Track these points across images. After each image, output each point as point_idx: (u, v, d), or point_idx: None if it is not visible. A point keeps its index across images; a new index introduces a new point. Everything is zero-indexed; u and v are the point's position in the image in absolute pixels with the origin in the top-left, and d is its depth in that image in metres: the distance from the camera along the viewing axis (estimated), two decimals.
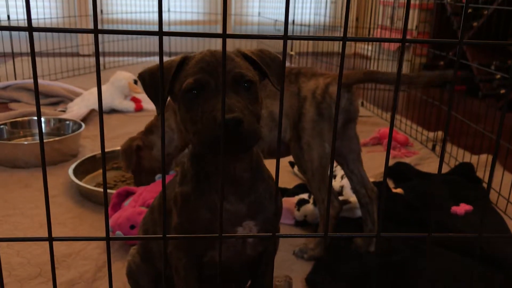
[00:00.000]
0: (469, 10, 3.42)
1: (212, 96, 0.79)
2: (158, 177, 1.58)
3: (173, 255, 0.95)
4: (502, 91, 3.08)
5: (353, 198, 1.51)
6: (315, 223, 1.51)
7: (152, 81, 0.85)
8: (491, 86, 3.20)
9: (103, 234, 1.45)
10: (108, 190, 1.66)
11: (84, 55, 4.65)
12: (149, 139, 1.62)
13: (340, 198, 1.53)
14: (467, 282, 1.21)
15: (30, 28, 0.55)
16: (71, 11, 4.63)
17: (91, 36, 4.60)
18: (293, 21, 3.69)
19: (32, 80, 3.02)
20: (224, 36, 0.59)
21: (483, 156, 2.13)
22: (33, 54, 0.57)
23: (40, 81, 3.09)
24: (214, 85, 0.79)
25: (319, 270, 1.29)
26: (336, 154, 1.34)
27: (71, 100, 2.88)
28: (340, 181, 1.63)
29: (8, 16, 3.19)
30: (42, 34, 3.93)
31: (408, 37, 3.75)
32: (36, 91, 0.57)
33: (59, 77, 3.61)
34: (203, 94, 0.79)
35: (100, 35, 4.31)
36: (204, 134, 0.77)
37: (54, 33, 4.03)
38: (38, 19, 3.76)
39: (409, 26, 3.73)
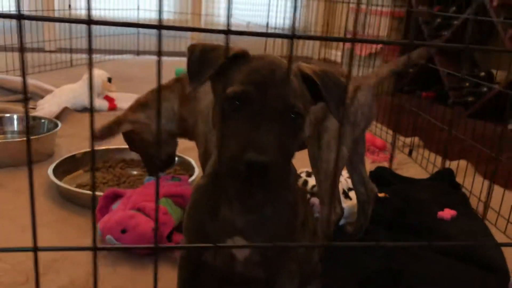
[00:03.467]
0: (439, 20, 3.52)
1: (252, 119, 0.70)
2: (147, 179, 1.53)
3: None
4: (471, 99, 3.18)
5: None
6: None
7: (202, 57, 0.77)
8: (460, 94, 3.30)
9: (91, 238, 1.40)
10: (88, 192, 1.60)
11: (50, 51, 4.49)
12: (147, 115, 1.49)
13: (345, 203, 1.55)
14: (465, 286, 1.24)
15: (19, 16, 0.51)
16: (38, 4, 4.46)
17: (56, 32, 4.45)
18: (267, 24, 3.69)
19: (1, 76, 2.88)
20: (227, 32, 0.55)
21: (460, 162, 2.19)
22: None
23: (6, 76, 2.96)
24: (259, 106, 0.71)
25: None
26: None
27: (41, 97, 2.76)
28: (346, 183, 1.63)
29: None
30: (7, 27, 3.75)
31: (379, 46, 3.83)
32: (25, 88, 0.54)
33: (18, 74, 3.46)
34: (245, 109, 0.72)
35: (67, 31, 4.17)
36: (227, 164, 0.70)
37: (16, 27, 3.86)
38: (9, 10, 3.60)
39: (381, 33, 3.80)
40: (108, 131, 1.47)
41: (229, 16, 0.55)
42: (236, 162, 0.68)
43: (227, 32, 0.54)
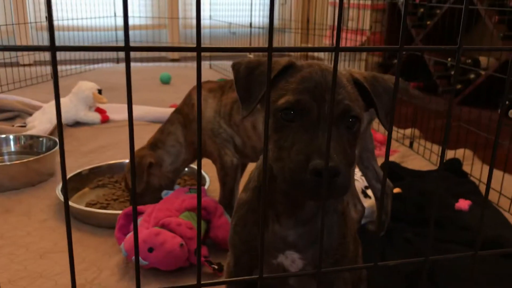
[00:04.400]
0: (421, 10, 3.56)
1: (310, 127, 0.69)
2: (165, 193, 1.49)
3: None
4: (459, 86, 3.22)
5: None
6: None
7: (249, 76, 0.74)
8: (448, 82, 3.34)
9: (113, 259, 1.35)
10: (103, 211, 1.55)
11: (24, 65, 4.36)
12: (157, 155, 1.52)
13: (365, 203, 1.54)
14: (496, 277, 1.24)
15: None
16: (8, 18, 4.32)
17: (31, 44, 4.31)
18: (251, 24, 3.67)
19: None
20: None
21: (461, 151, 2.21)
22: None
23: None
24: (317, 114, 0.69)
25: None
26: None
27: (29, 114, 2.68)
28: (362, 181, 1.62)
29: None
30: None
31: (363, 37, 3.84)
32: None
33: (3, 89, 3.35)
34: (300, 119, 0.70)
35: (44, 42, 4.06)
36: (291, 175, 0.67)
37: None
38: None
39: (364, 27, 3.82)
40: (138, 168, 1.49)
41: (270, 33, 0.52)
42: (301, 171, 0.66)
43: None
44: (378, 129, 2.67)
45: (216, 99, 1.46)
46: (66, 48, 0.45)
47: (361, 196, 1.58)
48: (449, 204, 1.64)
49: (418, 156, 2.29)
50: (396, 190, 1.78)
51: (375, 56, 3.85)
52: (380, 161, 2.11)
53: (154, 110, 2.79)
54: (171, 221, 1.31)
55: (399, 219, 1.54)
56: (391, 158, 2.20)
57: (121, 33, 4.63)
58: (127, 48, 0.44)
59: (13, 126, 2.54)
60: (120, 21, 4.60)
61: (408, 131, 2.52)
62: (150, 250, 1.27)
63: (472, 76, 3.16)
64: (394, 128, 2.60)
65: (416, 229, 1.51)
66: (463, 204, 1.64)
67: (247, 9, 4.01)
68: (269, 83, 0.51)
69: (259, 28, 3.83)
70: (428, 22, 3.41)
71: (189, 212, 1.37)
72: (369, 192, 1.61)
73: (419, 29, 3.50)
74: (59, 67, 3.99)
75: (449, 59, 3.29)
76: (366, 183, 1.63)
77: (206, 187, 1.69)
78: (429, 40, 3.46)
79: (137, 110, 2.78)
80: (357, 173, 1.67)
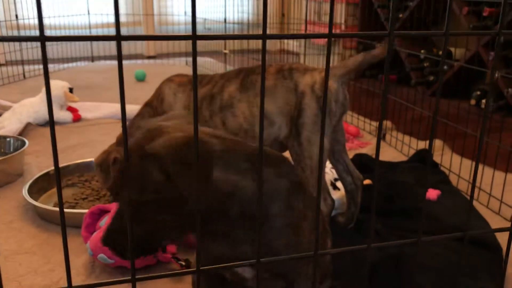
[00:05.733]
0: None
1: None
2: None
3: None
4: (431, 78, 3.26)
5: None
6: None
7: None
8: (422, 74, 3.37)
9: (80, 258, 1.34)
10: (71, 210, 1.53)
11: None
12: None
13: (335, 195, 1.55)
14: (462, 264, 1.26)
15: None
16: None
17: (5, 44, 4.24)
18: (225, 19, 3.65)
19: None
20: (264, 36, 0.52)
21: (435, 141, 2.24)
22: None
23: None
24: None
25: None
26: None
27: None
28: (332, 174, 1.63)
29: None
30: None
31: (337, 31, 3.85)
32: None
33: None
34: None
35: (17, 43, 3.99)
36: None
37: None
38: None
39: (338, 21, 3.83)
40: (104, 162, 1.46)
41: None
42: None
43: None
44: (351, 122, 2.69)
45: (186, 93, 1.44)
46: (55, 38, 0.42)
47: (330, 188, 1.59)
48: (417, 194, 1.66)
49: (390, 148, 2.30)
50: (367, 181, 1.79)
51: (347, 50, 3.87)
52: (352, 153, 2.13)
53: (127, 108, 2.77)
54: None
55: (366, 210, 1.55)
56: (364, 151, 2.21)
57: (94, 31, 4.57)
58: (118, 37, 0.42)
59: None
60: (93, 19, 4.54)
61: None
62: None
63: (445, 68, 3.19)
64: (367, 121, 2.62)
65: (385, 220, 1.52)
66: (431, 194, 1.66)
67: (221, 4, 3.99)
68: (263, 80, 0.51)
69: (233, 23, 3.82)
70: (401, 15, 3.44)
71: None
72: (339, 184, 1.62)
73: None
74: (31, 67, 3.93)
75: (422, 51, 3.32)
76: (336, 176, 1.64)
77: None
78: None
79: (110, 108, 2.75)
80: (328, 166, 1.67)
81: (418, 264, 1.26)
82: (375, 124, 2.57)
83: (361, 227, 1.48)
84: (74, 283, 1.23)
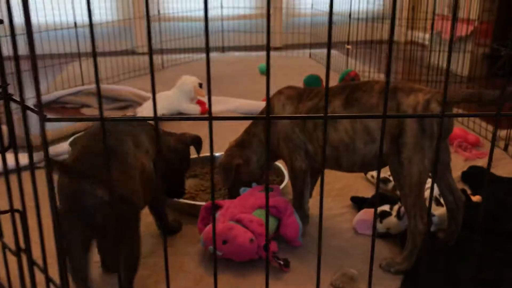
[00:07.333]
0: None
1: None
2: (243, 190, 1.64)
3: None
4: None
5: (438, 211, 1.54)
6: (398, 235, 1.54)
7: None
8: None
9: (196, 247, 1.53)
10: (193, 202, 1.73)
11: (142, 53, 4.77)
12: (245, 154, 1.67)
13: (437, 210, 1.56)
14: None
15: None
16: (125, 12, 4.75)
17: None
18: (350, 13, 3.67)
19: (101, 86, 3.14)
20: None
21: None
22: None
23: (108, 86, 3.21)
24: None
25: (408, 284, 1.32)
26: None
27: (139, 104, 2.98)
28: (437, 190, 1.64)
29: (75, 24, 3.34)
30: (98, 33, 4.05)
31: (470, 27, 3.66)
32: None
33: (116, 80, 3.72)
34: None
35: (157, 34, 4.41)
36: None
37: (110, 33, 4.16)
38: (99, 22, 3.89)
39: (472, 16, 3.63)
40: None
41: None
42: None
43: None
44: (473, 129, 2.58)
45: (293, 106, 1.55)
46: None
47: (433, 204, 1.60)
48: None
49: (511, 160, 2.19)
50: (476, 198, 1.75)
51: (480, 47, 3.65)
52: (468, 164, 2.06)
53: (247, 103, 2.98)
54: (244, 217, 1.46)
55: (470, 228, 1.54)
56: (480, 162, 2.14)
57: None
58: (209, 118, 0.56)
59: (124, 115, 2.87)
60: (219, 12, 4.81)
61: (503, 132, 2.41)
62: (224, 242, 1.42)
63: None
64: (489, 128, 2.50)
65: (487, 240, 1.49)
66: None
67: None
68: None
69: (358, 18, 3.82)
70: None
71: (261, 210, 1.50)
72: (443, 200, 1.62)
73: None
74: (169, 56, 4.33)
75: None
76: (438, 193, 1.64)
77: (283, 185, 1.81)
78: None
79: (232, 102, 2.99)
80: (429, 181, 1.68)
81: None
82: (498, 132, 2.44)
83: (461, 246, 1.48)
84: (188, 268, 1.43)
